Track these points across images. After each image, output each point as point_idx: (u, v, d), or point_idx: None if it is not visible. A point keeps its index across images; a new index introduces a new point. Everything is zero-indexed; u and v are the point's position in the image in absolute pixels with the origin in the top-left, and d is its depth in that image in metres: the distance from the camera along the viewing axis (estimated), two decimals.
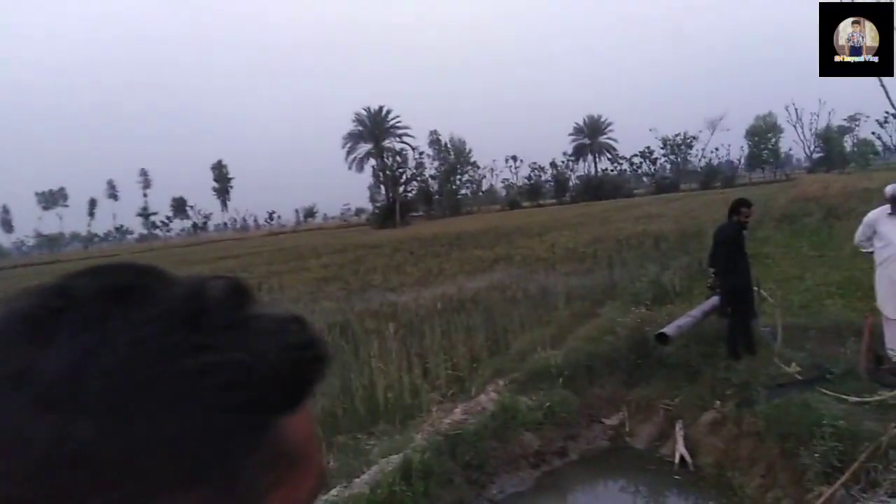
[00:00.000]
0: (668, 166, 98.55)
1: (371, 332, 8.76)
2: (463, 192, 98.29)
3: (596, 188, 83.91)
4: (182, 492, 0.32)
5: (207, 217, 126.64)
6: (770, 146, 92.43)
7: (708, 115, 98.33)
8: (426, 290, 12.34)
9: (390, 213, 72.57)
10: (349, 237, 47.72)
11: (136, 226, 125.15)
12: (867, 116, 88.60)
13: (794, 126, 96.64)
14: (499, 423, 5.81)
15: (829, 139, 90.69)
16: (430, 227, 50.54)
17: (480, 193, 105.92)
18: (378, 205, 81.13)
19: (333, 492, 4.59)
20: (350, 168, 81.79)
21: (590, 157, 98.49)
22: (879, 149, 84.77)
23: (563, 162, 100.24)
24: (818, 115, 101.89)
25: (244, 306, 0.39)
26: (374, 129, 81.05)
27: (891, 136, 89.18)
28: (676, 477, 5.59)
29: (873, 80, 10.92)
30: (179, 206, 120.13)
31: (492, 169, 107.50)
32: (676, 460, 5.68)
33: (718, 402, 5.97)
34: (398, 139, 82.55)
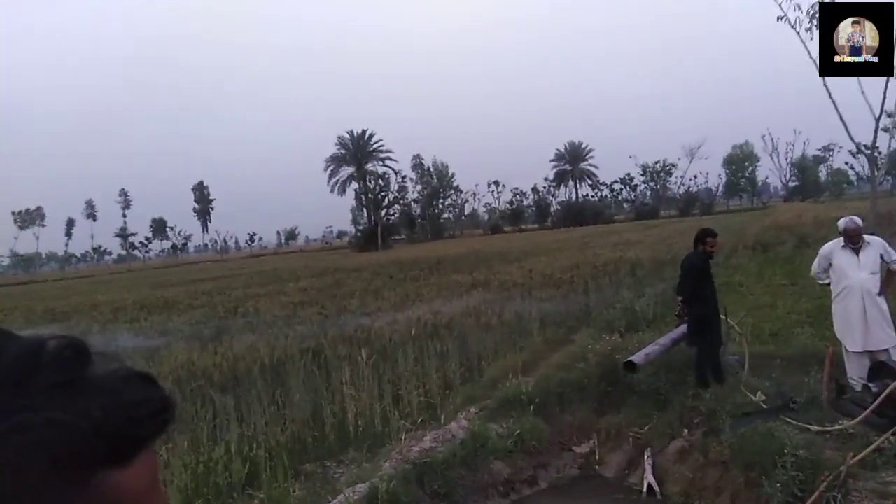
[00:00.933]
0: (648, 193, 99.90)
1: (343, 359, 8.70)
2: (445, 216, 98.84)
3: (577, 214, 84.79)
4: None
5: (188, 238, 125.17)
6: (747, 174, 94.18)
7: (686, 143, 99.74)
8: (401, 315, 12.31)
9: (372, 236, 72.43)
10: (330, 260, 47.50)
11: (115, 246, 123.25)
12: (840, 147, 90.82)
13: (770, 155, 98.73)
14: (468, 452, 5.79)
15: (804, 168, 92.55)
16: (412, 250, 50.56)
17: (463, 217, 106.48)
18: (360, 228, 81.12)
19: None
20: (332, 191, 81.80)
21: (571, 182, 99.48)
22: (853, 178, 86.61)
23: (544, 187, 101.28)
24: (793, 145, 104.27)
25: (81, 366, 0.41)
26: (357, 152, 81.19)
27: (863, 167, 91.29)
28: None
29: (841, 112, 11.13)
30: (159, 226, 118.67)
31: (474, 193, 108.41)
32: (644, 489, 5.68)
33: (686, 430, 6.02)
34: (381, 163, 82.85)
